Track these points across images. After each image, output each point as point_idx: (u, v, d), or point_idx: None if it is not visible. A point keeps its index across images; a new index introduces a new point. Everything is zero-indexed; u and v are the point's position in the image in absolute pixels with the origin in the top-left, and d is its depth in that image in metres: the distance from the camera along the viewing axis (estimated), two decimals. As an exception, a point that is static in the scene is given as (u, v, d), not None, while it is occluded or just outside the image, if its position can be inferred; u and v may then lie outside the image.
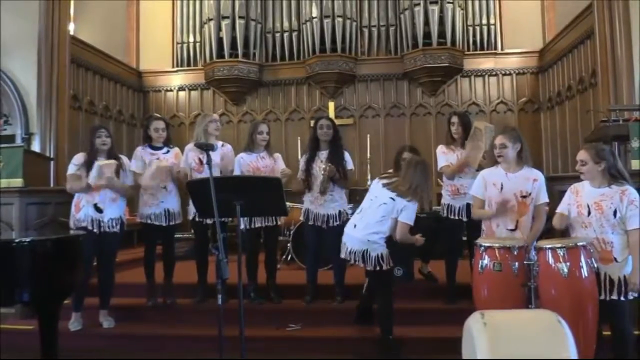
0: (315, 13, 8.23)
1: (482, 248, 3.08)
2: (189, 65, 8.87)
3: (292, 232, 5.57)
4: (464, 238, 4.38)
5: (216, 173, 4.08)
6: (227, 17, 8.29)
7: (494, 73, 8.39)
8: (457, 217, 4.22)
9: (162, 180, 4.32)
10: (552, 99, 7.88)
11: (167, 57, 8.99)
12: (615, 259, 2.97)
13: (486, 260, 3.04)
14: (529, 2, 8.36)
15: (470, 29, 8.36)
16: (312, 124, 5.14)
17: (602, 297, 2.94)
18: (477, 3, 8.37)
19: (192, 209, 4.28)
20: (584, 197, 3.09)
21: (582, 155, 3.10)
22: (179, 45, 8.93)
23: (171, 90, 8.96)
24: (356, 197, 5.64)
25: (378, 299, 3.74)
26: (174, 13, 9.00)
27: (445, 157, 4.30)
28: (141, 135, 4.75)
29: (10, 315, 4.38)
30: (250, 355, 2.91)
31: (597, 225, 3.01)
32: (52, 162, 5.93)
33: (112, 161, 4.09)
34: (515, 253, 2.99)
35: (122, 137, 8.13)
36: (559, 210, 3.21)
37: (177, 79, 8.94)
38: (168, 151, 4.50)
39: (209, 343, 3.59)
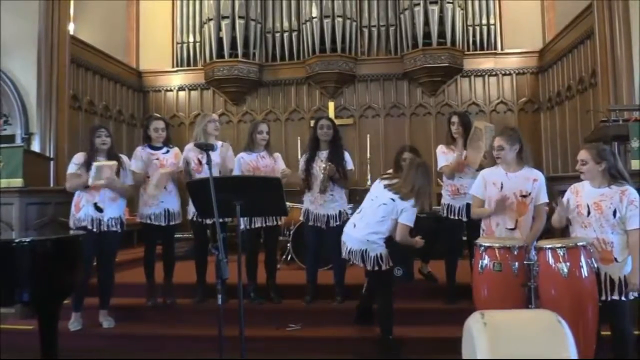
0: (315, 13, 8.24)
1: (482, 248, 3.08)
2: (189, 65, 8.87)
3: (292, 232, 5.57)
4: (464, 238, 4.39)
5: (215, 173, 4.08)
6: (227, 17, 8.29)
7: (493, 73, 8.39)
8: (457, 217, 4.23)
9: (165, 184, 4.33)
10: (552, 99, 7.88)
11: (167, 57, 8.99)
12: (615, 259, 2.97)
13: (486, 260, 3.04)
14: (529, 2, 8.36)
15: (470, 29, 8.36)
16: (312, 124, 5.15)
17: (603, 297, 2.94)
18: (477, 3, 8.37)
19: (191, 209, 4.28)
20: (584, 197, 3.08)
21: (582, 154, 3.10)
22: (179, 45, 8.93)
23: (171, 90, 8.97)
24: (356, 197, 5.64)
25: (378, 299, 3.74)
26: (174, 13, 9.00)
27: (445, 157, 4.30)
28: (141, 135, 4.74)
29: (10, 315, 4.38)
30: (250, 355, 2.91)
31: (596, 226, 3.01)
32: (52, 162, 5.93)
33: (112, 162, 4.09)
34: (515, 253, 2.99)
35: (122, 137, 8.13)
36: (561, 200, 3.20)
37: (177, 79, 8.94)
38: (168, 151, 4.50)
39: (209, 343, 3.59)
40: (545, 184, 3.35)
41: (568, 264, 2.84)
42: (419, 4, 7.95)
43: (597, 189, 3.06)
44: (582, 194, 3.10)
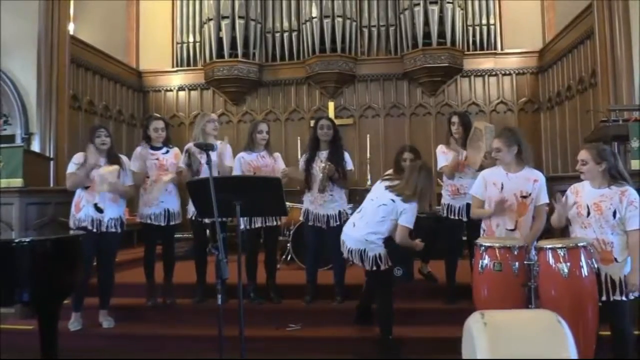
0: (315, 13, 8.23)
1: (483, 248, 3.08)
2: (188, 65, 8.87)
3: (292, 232, 5.57)
4: (464, 238, 4.39)
5: (214, 172, 4.07)
6: (227, 17, 8.29)
7: (493, 73, 8.39)
8: (457, 217, 4.23)
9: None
10: (552, 99, 7.89)
11: (167, 57, 8.99)
12: (615, 259, 2.96)
13: (486, 260, 3.03)
14: (529, 2, 8.37)
15: (470, 29, 8.36)
16: (312, 124, 5.15)
17: (604, 297, 2.94)
18: (477, 3, 8.37)
19: (191, 209, 4.28)
20: (584, 198, 3.08)
21: (583, 155, 3.09)
22: (179, 45, 8.93)
23: (171, 90, 8.97)
24: (356, 197, 5.64)
25: (377, 299, 3.74)
26: (174, 13, 9.01)
27: (445, 157, 4.30)
28: (141, 135, 4.74)
29: (10, 315, 4.38)
30: (250, 355, 2.91)
31: (596, 226, 3.01)
32: (52, 162, 5.93)
33: (115, 167, 4.09)
34: (516, 253, 2.99)
35: (121, 137, 8.13)
36: (563, 198, 3.20)
37: (177, 79, 8.94)
38: (167, 151, 4.50)
39: (208, 343, 3.59)
40: (545, 184, 3.35)
41: (568, 264, 2.84)
42: (419, 4, 7.95)
43: (597, 189, 3.05)
44: (582, 195, 3.10)
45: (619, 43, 5.87)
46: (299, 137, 7.94)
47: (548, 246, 2.93)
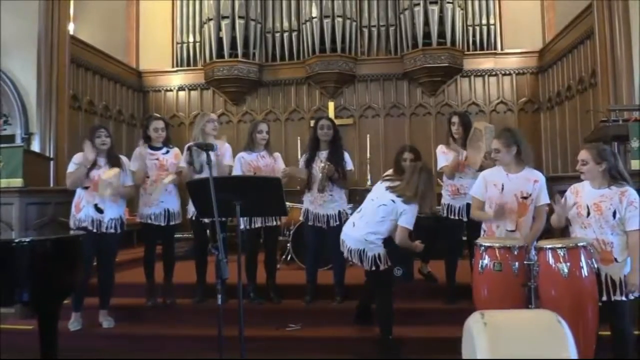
0: (315, 13, 8.23)
1: (483, 248, 3.08)
2: (188, 65, 8.87)
3: (291, 232, 5.57)
4: (464, 238, 4.39)
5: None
6: (227, 17, 8.29)
7: (493, 73, 8.39)
8: (457, 217, 4.23)
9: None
10: (552, 99, 7.89)
11: (167, 57, 8.99)
12: (615, 259, 2.96)
13: (486, 260, 3.03)
14: (529, 2, 8.36)
15: (470, 29, 8.36)
16: (312, 124, 5.14)
17: (604, 297, 2.94)
18: (477, 3, 8.37)
19: (191, 209, 4.28)
20: (584, 198, 3.08)
21: (583, 154, 3.09)
22: (179, 45, 8.93)
23: (171, 90, 8.96)
24: (356, 197, 5.64)
25: (377, 299, 3.74)
26: (174, 13, 9.00)
27: (445, 157, 4.30)
28: (141, 135, 4.74)
29: (10, 315, 4.38)
30: (250, 355, 2.91)
31: (596, 226, 3.01)
32: (51, 162, 5.93)
33: (116, 170, 4.08)
34: (516, 253, 2.99)
35: (121, 137, 8.13)
36: (562, 199, 3.21)
37: (177, 79, 8.94)
38: (167, 151, 4.50)
39: (208, 343, 3.59)
40: (545, 184, 3.35)
41: (568, 264, 2.84)
42: (419, 4, 7.95)
43: (597, 189, 3.05)
44: (582, 195, 3.10)
45: (619, 43, 5.87)
46: (299, 137, 7.94)
47: (548, 246, 2.93)
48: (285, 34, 8.57)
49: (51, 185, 5.71)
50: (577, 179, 3.20)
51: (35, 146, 6.15)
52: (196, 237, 4.57)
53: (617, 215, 2.96)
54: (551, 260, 2.89)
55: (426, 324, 3.96)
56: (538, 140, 8.06)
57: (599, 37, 6.07)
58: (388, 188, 3.59)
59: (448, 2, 7.91)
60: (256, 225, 4.35)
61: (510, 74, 8.39)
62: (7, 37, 6.17)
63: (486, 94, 8.41)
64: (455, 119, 4.33)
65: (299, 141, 7.86)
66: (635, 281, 2.90)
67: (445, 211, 4.30)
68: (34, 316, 3.20)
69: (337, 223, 4.27)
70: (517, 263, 2.97)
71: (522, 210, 3.28)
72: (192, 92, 8.93)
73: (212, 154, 3.03)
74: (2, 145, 5.19)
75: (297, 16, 8.54)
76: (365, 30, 8.48)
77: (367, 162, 7.69)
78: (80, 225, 4.05)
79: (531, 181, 3.30)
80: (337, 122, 5.02)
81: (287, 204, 4.12)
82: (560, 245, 2.89)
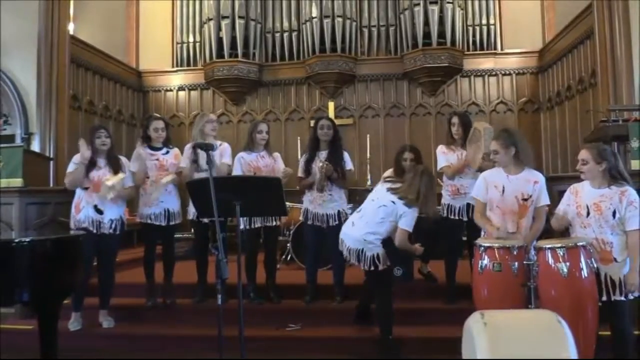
0: (315, 13, 8.23)
1: (482, 248, 3.08)
2: (188, 65, 8.87)
3: (291, 232, 5.57)
4: (464, 238, 4.39)
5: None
6: (227, 17, 8.28)
7: (493, 73, 8.39)
8: (457, 217, 4.24)
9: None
10: (552, 99, 7.88)
11: (167, 57, 8.99)
12: (614, 259, 2.97)
13: (486, 261, 3.03)
14: (529, 2, 8.36)
15: (470, 29, 8.36)
16: (311, 124, 5.14)
17: (604, 297, 2.94)
18: (477, 3, 8.37)
19: (192, 210, 4.28)
20: (584, 198, 3.08)
21: (583, 154, 3.09)
22: (179, 45, 8.92)
23: (171, 90, 8.96)
24: (356, 197, 5.65)
25: (377, 299, 3.74)
26: (174, 13, 9.00)
27: (445, 157, 4.30)
28: (141, 135, 4.74)
29: (10, 315, 4.38)
30: (250, 355, 2.91)
31: (596, 226, 3.01)
32: (51, 162, 5.93)
33: (122, 176, 4.08)
34: (515, 253, 2.99)
35: (121, 137, 8.13)
36: (557, 211, 3.21)
37: (176, 79, 8.94)
38: (167, 152, 4.50)
39: (208, 343, 3.60)
40: (545, 185, 3.35)
41: (568, 264, 2.84)
42: (419, 4, 7.95)
43: (597, 189, 3.05)
44: (582, 195, 3.10)
45: (618, 43, 5.87)
46: (299, 137, 7.94)
47: (547, 246, 2.93)
48: (285, 34, 8.57)
49: (51, 185, 5.71)
50: (577, 179, 3.20)
51: (35, 146, 6.15)
52: (196, 237, 4.58)
53: (617, 215, 2.96)
54: (551, 260, 2.89)
55: (426, 324, 3.96)
56: (538, 140, 8.06)
57: (599, 37, 6.07)
58: (389, 189, 3.59)
59: (448, 2, 7.91)
60: (256, 225, 4.35)
61: (510, 74, 8.39)
62: (7, 37, 6.17)
63: (486, 94, 8.41)
64: (455, 120, 4.33)
65: (299, 141, 7.85)
66: (635, 281, 2.90)
67: (445, 211, 4.30)
68: (34, 316, 3.20)
69: (336, 223, 4.27)
70: (516, 263, 2.96)
71: (523, 211, 3.28)
72: (192, 92, 8.93)
73: (213, 154, 3.03)
74: (2, 145, 5.19)
75: (297, 16, 8.53)
76: (365, 30, 8.48)
77: (367, 162, 7.69)
78: (80, 226, 4.05)
79: (531, 182, 3.29)
80: (337, 122, 5.02)
81: (287, 204, 4.12)
82: (559, 245, 2.89)
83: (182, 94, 8.95)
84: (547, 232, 3.49)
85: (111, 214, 4.13)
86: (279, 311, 4.30)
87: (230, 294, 3.74)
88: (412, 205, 3.47)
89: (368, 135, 7.98)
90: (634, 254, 2.92)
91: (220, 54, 8.34)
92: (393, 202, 3.51)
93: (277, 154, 4.60)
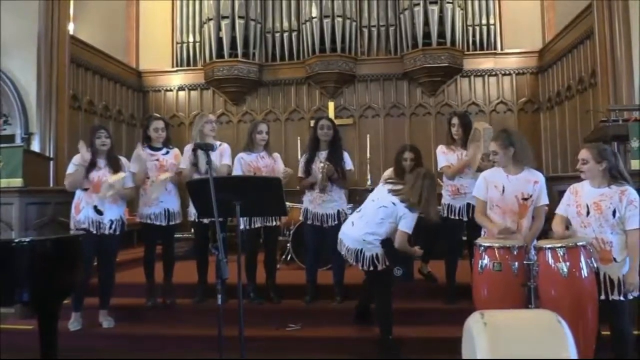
0: (315, 13, 8.23)
1: (482, 248, 3.08)
2: (188, 65, 8.87)
3: (291, 232, 5.57)
4: (464, 238, 4.39)
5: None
6: (227, 17, 8.28)
7: (493, 73, 8.39)
8: (457, 217, 4.24)
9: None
10: (552, 99, 7.88)
11: (166, 57, 8.99)
12: (614, 259, 2.97)
13: (486, 260, 3.03)
14: (529, 2, 8.36)
15: (470, 29, 8.36)
16: (311, 124, 5.14)
17: (603, 297, 2.94)
18: (476, 3, 8.37)
19: (192, 210, 4.27)
20: (584, 197, 3.08)
21: (583, 154, 3.09)
22: (179, 45, 8.92)
23: (171, 90, 8.96)
24: (356, 197, 5.65)
25: (376, 299, 3.74)
26: (174, 13, 9.00)
27: (445, 157, 4.30)
28: (141, 135, 4.74)
29: (10, 315, 4.38)
30: (250, 355, 2.91)
31: (596, 225, 3.01)
32: (51, 162, 5.93)
33: (123, 174, 4.08)
34: (515, 253, 2.99)
35: (121, 137, 8.13)
36: (558, 212, 3.21)
37: (176, 79, 8.94)
38: (167, 152, 4.49)
39: (208, 343, 3.60)
40: (545, 185, 3.35)
41: (568, 263, 2.84)
42: (418, 4, 7.95)
43: (597, 189, 3.06)
44: (582, 194, 3.10)
45: (618, 43, 5.87)
46: (299, 137, 7.94)
47: (547, 246, 2.93)
48: (285, 34, 8.57)
49: (51, 185, 5.71)
50: (577, 179, 3.21)
51: (35, 146, 6.15)
52: (197, 237, 4.57)
53: (617, 215, 2.96)
54: (551, 260, 2.89)
55: (426, 324, 3.96)
56: (538, 140, 8.06)
57: (599, 37, 6.07)
58: (390, 191, 3.59)
59: (448, 2, 7.91)
60: (256, 225, 4.36)
61: (510, 74, 8.39)
62: (7, 37, 6.17)
63: (486, 94, 8.41)
64: (455, 120, 4.33)
65: (299, 141, 7.85)
66: (634, 280, 2.91)
67: (445, 211, 4.30)
68: (34, 316, 3.20)
69: (336, 222, 4.27)
70: (516, 263, 2.97)
71: (523, 211, 3.28)
72: (192, 92, 8.93)
73: (213, 154, 3.03)
74: (2, 145, 5.19)
75: (297, 16, 8.53)
76: (365, 30, 8.48)
77: (367, 162, 7.69)
78: (80, 226, 4.05)
79: (531, 182, 3.30)
80: (337, 122, 5.03)
81: (287, 204, 4.12)
82: (559, 245, 2.89)
83: (182, 94, 8.95)
84: (547, 232, 3.49)
85: (111, 215, 4.13)
86: (279, 311, 4.30)
87: (230, 294, 3.74)
88: (414, 208, 3.47)
89: (368, 135, 7.98)
90: (634, 254, 2.92)
91: (220, 54, 8.34)
92: (394, 203, 3.51)
93: (277, 155, 4.60)
